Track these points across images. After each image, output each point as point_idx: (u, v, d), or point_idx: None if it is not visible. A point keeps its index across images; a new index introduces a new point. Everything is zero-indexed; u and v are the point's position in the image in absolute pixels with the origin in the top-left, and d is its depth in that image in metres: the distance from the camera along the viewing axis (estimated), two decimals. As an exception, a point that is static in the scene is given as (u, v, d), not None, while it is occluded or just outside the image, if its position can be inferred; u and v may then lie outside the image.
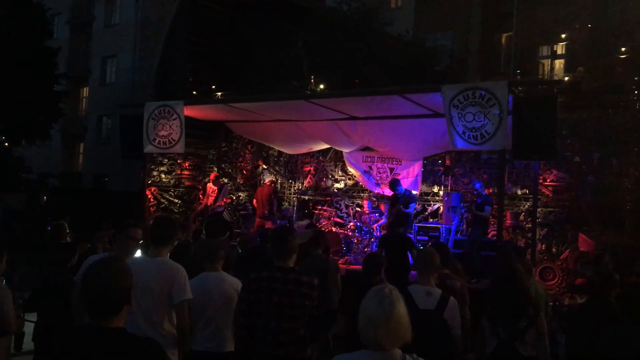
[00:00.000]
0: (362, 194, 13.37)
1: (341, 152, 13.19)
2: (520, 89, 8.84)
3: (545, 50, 21.27)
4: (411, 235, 10.95)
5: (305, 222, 13.05)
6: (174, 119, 10.80)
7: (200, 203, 13.23)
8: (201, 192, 13.63)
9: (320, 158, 14.02)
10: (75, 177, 30.15)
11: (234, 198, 14.37)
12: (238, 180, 14.63)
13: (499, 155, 8.84)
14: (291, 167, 14.47)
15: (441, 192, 12.31)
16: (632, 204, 9.93)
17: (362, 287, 4.89)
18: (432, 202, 12.53)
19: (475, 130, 7.80)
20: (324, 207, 13.49)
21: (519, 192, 11.42)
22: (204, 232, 7.55)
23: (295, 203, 14.17)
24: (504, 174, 9.56)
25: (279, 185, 14.35)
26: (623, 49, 12.58)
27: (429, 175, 12.60)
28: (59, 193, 22.66)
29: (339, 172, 13.92)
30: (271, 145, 13.98)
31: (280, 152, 14.26)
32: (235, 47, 15.46)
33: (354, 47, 17.03)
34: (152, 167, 13.59)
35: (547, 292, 5.99)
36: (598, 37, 18.27)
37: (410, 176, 12.32)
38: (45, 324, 5.19)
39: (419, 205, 12.52)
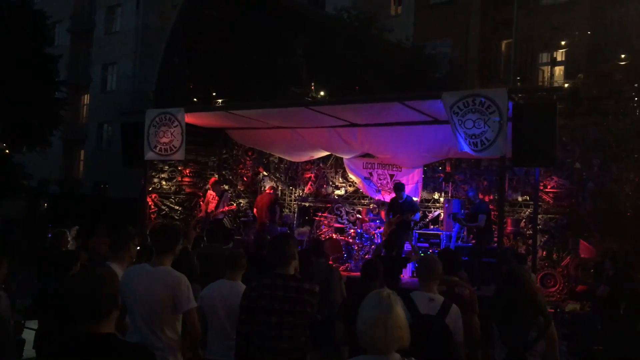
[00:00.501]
0: (362, 201, 13.37)
1: (341, 158, 13.20)
2: (520, 95, 8.85)
3: (544, 57, 21.31)
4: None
5: (306, 229, 13.05)
6: (175, 126, 10.82)
7: (201, 210, 13.23)
8: (202, 199, 13.63)
9: (321, 165, 14.03)
10: (76, 184, 30.14)
11: (235, 205, 14.37)
12: (239, 187, 14.63)
13: (499, 162, 8.84)
14: (292, 174, 14.48)
15: (441, 199, 12.32)
16: (632, 210, 9.92)
17: (360, 293, 4.90)
18: (432, 209, 12.53)
19: (475, 137, 7.82)
20: (325, 214, 13.50)
21: (520, 198, 11.42)
22: (205, 239, 7.54)
23: (296, 210, 14.18)
24: (505, 181, 9.56)
25: (279, 192, 14.34)
26: (622, 56, 12.61)
27: (430, 182, 12.60)
28: (59, 200, 22.65)
29: (340, 179, 13.93)
30: (271, 153, 14.00)
31: (280, 159, 14.28)
32: (235, 54, 15.49)
33: (353, 54, 17.07)
34: (153, 174, 13.59)
35: (547, 299, 5.95)
36: (597, 44, 18.31)
37: (410, 183, 12.32)
38: (46, 331, 5.18)
39: (420, 212, 12.54)
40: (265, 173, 14.66)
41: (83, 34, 31.27)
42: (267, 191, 13.13)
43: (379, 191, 12.42)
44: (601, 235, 9.94)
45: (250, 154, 14.63)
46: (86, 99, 32.00)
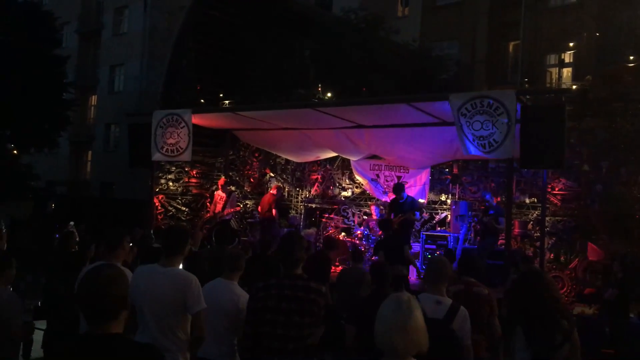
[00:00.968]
0: (369, 202, 13.35)
1: (348, 160, 13.19)
2: (528, 97, 8.83)
3: (552, 58, 21.21)
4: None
5: (312, 230, 13.04)
6: (182, 127, 10.85)
7: (208, 211, 13.25)
8: (208, 199, 13.66)
9: (328, 166, 14.03)
10: (83, 185, 30.28)
11: (242, 206, 14.39)
12: (245, 188, 14.65)
13: (507, 163, 8.81)
14: (298, 175, 14.49)
15: (449, 201, 12.28)
16: (641, 212, 9.87)
17: (371, 297, 4.89)
18: (439, 211, 12.50)
19: (483, 138, 7.79)
20: (331, 215, 13.49)
21: (527, 200, 11.38)
22: (213, 239, 7.56)
23: (303, 211, 14.18)
24: (512, 183, 9.52)
25: (286, 194, 14.35)
26: (631, 57, 12.56)
27: (437, 184, 12.58)
28: (66, 201, 22.75)
29: (347, 180, 13.93)
30: (278, 154, 14.01)
31: (287, 160, 14.29)
32: (242, 56, 15.53)
33: (360, 56, 17.06)
34: (160, 175, 13.64)
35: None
36: (605, 45, 18.22)
37: (417, 184, 12.31)
38: (54, 331, 5.20)
39: (426, 213, 12.52)
40: (272, 174, 14.68)
41: (91, 36, 31.43)
42: (271, 191, 13.12)
43: (385, 193, 12.40)
44: (609, 238, 9.88)
45: (257, 155, 14.65)
46: (94, 100, 32.14)
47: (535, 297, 3.87)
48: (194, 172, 14.28)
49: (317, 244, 12.10)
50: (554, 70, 20.91)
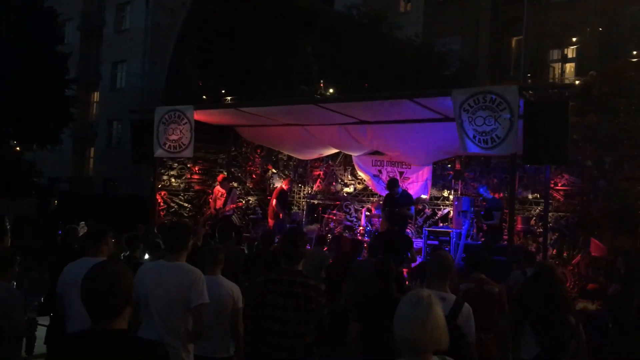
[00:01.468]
0: (371, 198, 13.35)
1: (350, 156, 13.18)
2: (531, 93, 8.81)
3: (555, 54, 21.16)
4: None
5: (314, 226, 13.04)
6: (184, 124, 10.86)
7: (210, 207, 13.26)
8: (210, 196, 13.66)
9: (330, 162, 14.02)
10: (86, 181, 30.32)
11: (244, 202, 14.40)
12: (247, 185, 14.65)
13: (510, 159, 8.79)
14: (301, 171, 14.49)
15: (451, 197, 12.27)
16: (644, 208, 9.84)
17: (376, 295, 4.89)
18: (442, 207, 12.49)
19: (485, 134, 7.78)
20: (334, 212, 13.48)
21: (530, 196, 11.35)
22: (216, 235, 7.57)
23: (305, 207, 14.17)
24: (515, 179, 9.50)
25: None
26: (634, 52, 12.51)
27: (439, 180, 12.56)
28: (69, 197, 22.78)
29: (349, 176, 13.91)
30: (281, 150, 14.01)
31: (289, 157, 14.28)
32: (244, 53, 15.53)
33: (362, 52, 17.03)
34: (162, 171, 13.64)
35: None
36: (609, 41, 18.16)
37: (420, 180, 12.29)
38: (57, 327, 5.21)
39: (429, 209, 12.50)
40: (274, 170, 14.68)
41: (93, 32, 31.42)
42: (282, 185, 13.14)
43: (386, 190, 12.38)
44: (612, 234, 9.86)
45: (259, 151, 14.65)
46: (96, 96, 32.16)
47: (545, 293, 3.86)
48: (196, 169, 14.29)
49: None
50: (557, 66, 20.87)
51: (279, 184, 13.83)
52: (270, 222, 12.63)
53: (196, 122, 11.00)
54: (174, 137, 10.94)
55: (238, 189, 13.95)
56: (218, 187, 12.63)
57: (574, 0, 20.27)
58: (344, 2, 20.87)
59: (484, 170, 11.93)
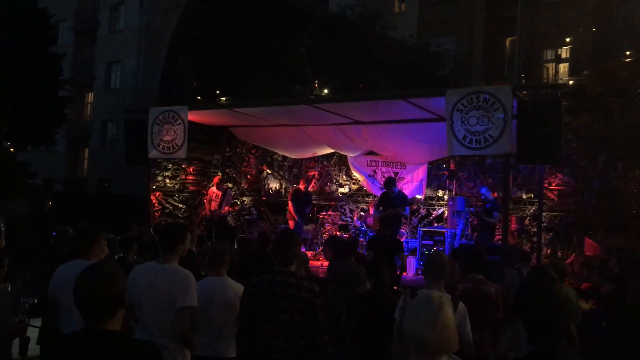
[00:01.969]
0: (366, 199, 13.36)
1: (345, 156, 13.18)
2: (524, 92, 8.83)
3: (549, 54, 21.22)
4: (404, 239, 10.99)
5: (310, 226, 13.04)
6: (178, 124, 10.84)
7: (204, 208, 13.24)
8: (206, 197, 13.65)
9: (325, 162, 14.02)
10: (80, 182, 30.23)
11: (239, 203, 14.38)
12: (242, 185, 14.64)
13: (504, 159, 8.82)
14: (295, 171, 14.49)
15: (446, 197, 12.29)
16: (637, 207, 9.87)
17: (369, 293, 4.92)
18: (436, 207, 12.51)
19: (478, 134, 7.80)
20: (329, 212, 13.49)
21: (524, 196, 11.38)
22: (214, 236, 7.56)
23: (300, 208, 14.15)
24: (509, 178, 9.53)
25: (283, 190, 14.35)
26: (627, 52, 12.55)
27: (434, 180, 12.58)
28: (63, 198, 22.70)
29: (344, 177, 13.92)
30: (275, 150, 14.00)
31: (284, 157, 14.28)
32: (239, 52, 15.50)
33: (357, 52, 17.04)
34: (157, 172, 13.63)
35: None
36: (602, 41, 18.23)
37: (414, 180, 12.31)
38: (49, 329, 5.18)
39: (423, 209, 12.52)
40: (269, 171, 14.67)
41: (87, 33, 31.33)
42: (296, 187, 12.78)
43: (382, 189, 12.40)
44: (606, 233, 9.90)
45: (254, 151, 14.64)
46: (90, 97, 32.07)
47: (540, 293, 3.89)
48: (191, 169, 14.27)
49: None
50: (551, 66, 20.94)
51: (274, 184, 13.82)
52: (290, 223, 12.27)
53: (191, 122, 10.98)
54: (168, 137, 10.92)
55: (233, 189, 13.94)
56: (213, 189, 12.61)
57: (567, 0, 20.35)
58: (337, 2, 20.89)
59: (478, 170, 11.96)
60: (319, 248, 12.35)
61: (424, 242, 11.20)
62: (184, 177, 14.21)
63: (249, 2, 15.47)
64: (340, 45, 17.19)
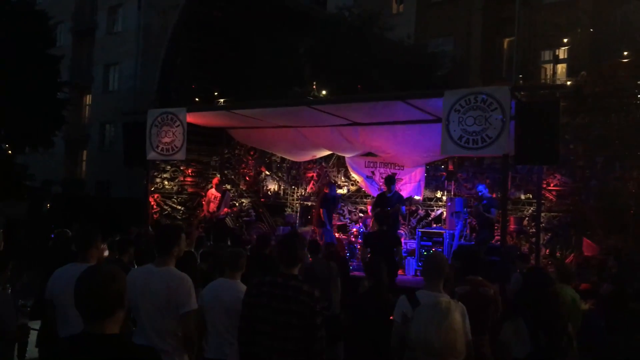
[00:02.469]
0: (365, 200, 13.36)
1: (344, 157, 13.19)
2: (522, 93, 8.84)
3: (547, 54, 21.22)
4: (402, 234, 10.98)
5: (308, 228, 13.03)
6: (176, 126, 10.83)
7: (203, 210, 13.23)
8: (204, 199, 13.64)
9: (323, 164, 14.03)
10: (78, 184, 30.17)
11: (237, 204, 14.38)
12: (241, 187, 14.64)
13: (502, 160, 8.83)
14: (294, 173, 14.49)
15: (444, 198, 12.30)
16: (635, 208, 9.88)
17: (368, 292, 4.92)
18: (435, 208, 12.51)
19: (475, 134, 7.80)
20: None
21: (523, 196, 11.40)
22: (212, 238, 7.56)
23: (299, 209, 14.17)
24: (507, 179, 9.54)
25: (281, 192, 14.34)
26: (625, 53, 12.55)
27: (432, 181, 12.59)
28: (62, 200, 22.66)
29: (342, 178, 13.92)
30: (274, 152, 14.00)
31: (283, 158, 14.28)
32: (237, 54, 15.49)
33: (355, 54, 17.05)
34: (155, 174, 13.62)
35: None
36: (600, 41, 18.23)
37: (413, 181, 12.31)
38: (48, 332, 5.18)
39: (422, 210, 12.52)
40: (267, 172, 14.67)
41: (85, 35, 31.31)
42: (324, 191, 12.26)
43: (381, 190, 12.40)
44: (604, 233, 9.91)
45: (252, 153, 14.64)
46: (88, 99, 32.04)
47: (539, 293, 3.89)
48: (190, 171, 14.26)
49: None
50: (549, 67, 20.93)
51: (273, 186, 13.81)
52: (316, 229, 11.99)
53: (189, 124, 10.97)
54: (166, 139, 10.92)
55: (231, 191, 13.93)
56: (212, 190, 12.60)
57: (565, 1, 20.37)
58: (335, 3, 20.88)
59: (476, 171, 11.97)
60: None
61: (422, 243, 11.21)
62: (182, 179, 14.20)
63: (247, 3, 15.47)
64: (339, 46, 17.20)
